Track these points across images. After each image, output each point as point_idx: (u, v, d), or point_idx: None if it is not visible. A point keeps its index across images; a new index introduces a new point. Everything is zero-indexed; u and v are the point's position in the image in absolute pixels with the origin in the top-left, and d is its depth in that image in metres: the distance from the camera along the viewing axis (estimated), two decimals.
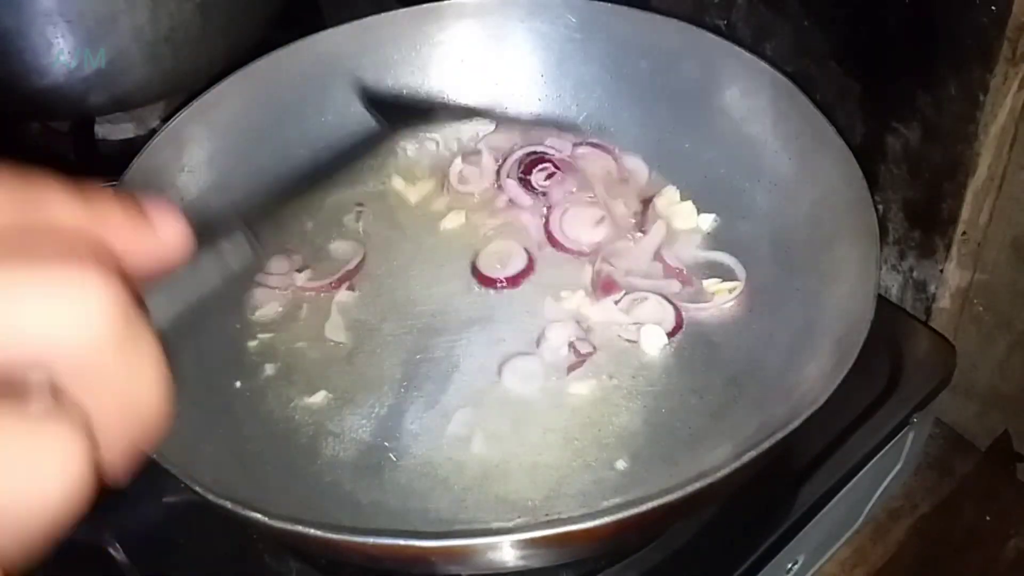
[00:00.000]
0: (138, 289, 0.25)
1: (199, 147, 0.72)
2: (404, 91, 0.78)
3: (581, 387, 0.65)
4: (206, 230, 0.30)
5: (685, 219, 0.74)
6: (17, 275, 0.23)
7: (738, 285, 0.69)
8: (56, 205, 0.25)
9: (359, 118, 0.79)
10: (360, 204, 0.77)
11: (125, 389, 0.25)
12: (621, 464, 0.62)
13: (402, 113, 0.70)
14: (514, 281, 0.71)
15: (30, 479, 0.23)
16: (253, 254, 0.33)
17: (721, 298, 0.69)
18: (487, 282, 0.71)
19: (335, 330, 0.69)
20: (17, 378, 0.24)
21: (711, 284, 0.70)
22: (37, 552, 0.24)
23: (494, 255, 0.73)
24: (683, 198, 0.75)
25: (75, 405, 0.24)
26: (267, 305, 0.71)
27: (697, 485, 0.49)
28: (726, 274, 0.70)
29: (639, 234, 0.73)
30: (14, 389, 0.24)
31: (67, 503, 0.23)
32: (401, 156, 0.80)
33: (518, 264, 0.72)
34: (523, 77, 0.80)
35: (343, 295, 0.72)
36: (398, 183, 0.78)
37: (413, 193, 0.77)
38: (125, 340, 0.24)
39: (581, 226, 0.74)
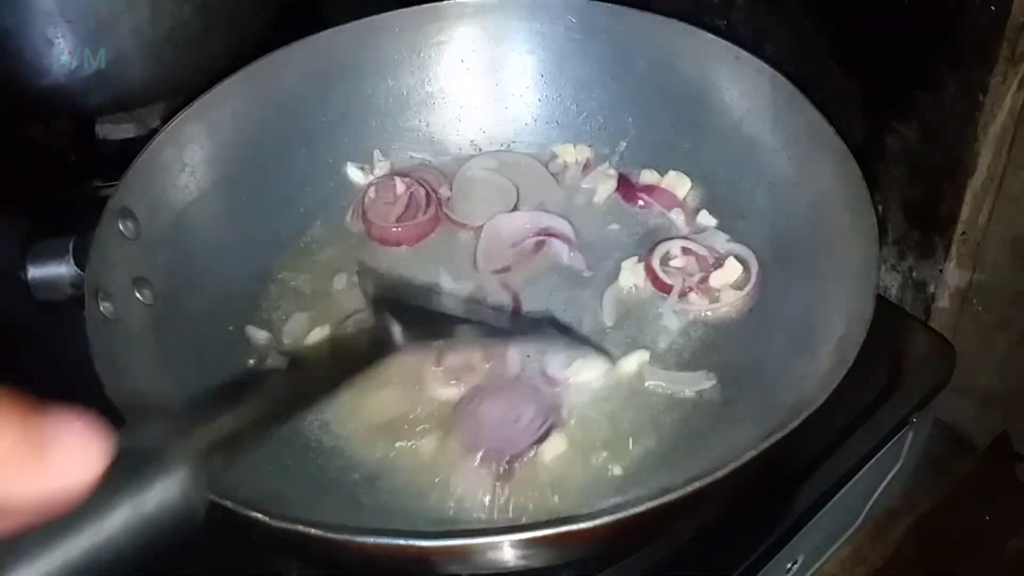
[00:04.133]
0: None
1: (199, 147, 0.72)
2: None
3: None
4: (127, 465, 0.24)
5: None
6: None
7: (750, 283, 0.69)
8: None
9: (360, 120, 0.79)
10: None
11: None
12: (621, 464, 0.62)
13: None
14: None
15: None
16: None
17: (729, 296, 0.69)
18: None
19: None
20: None
21: (719, 279, 0.70)
22: None
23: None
24: (683, 198, 0.76)
25: None
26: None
27: (696, 485, 0.49)
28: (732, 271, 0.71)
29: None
30: None
31: None
32: None
33: None
34: (523, 77, 0.80)
35: None
36: None
37: None
38: None
39: None
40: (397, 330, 0.53)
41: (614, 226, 0.75)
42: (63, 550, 0.22)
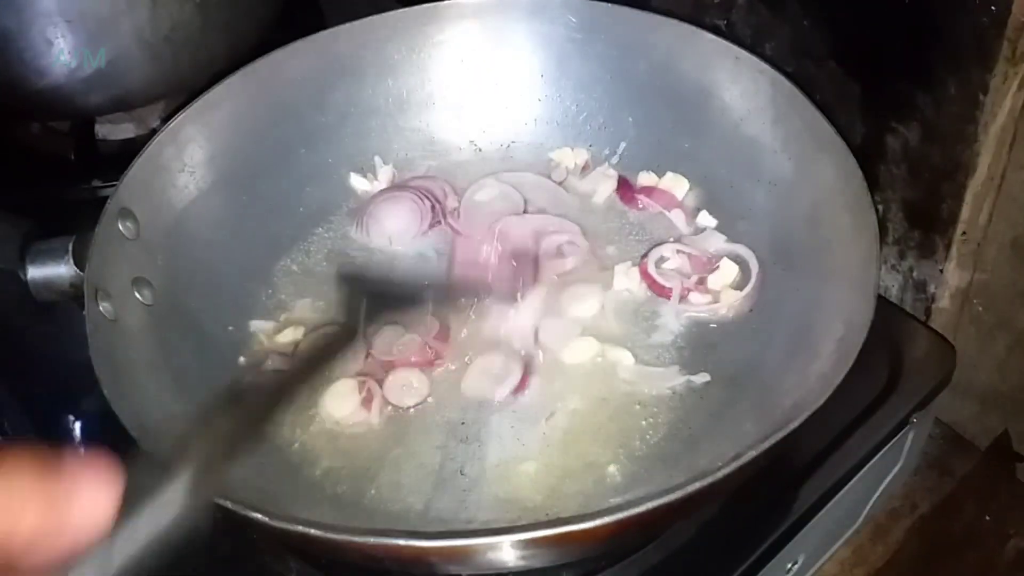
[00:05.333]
0: None
1: (199, 147, 0.72)
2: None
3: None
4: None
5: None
6: None
7: (749, 284, 0.69)
8: None
9: (360, 119, 0.79)
10: None
11: None
12: (621, 464, 0.62)
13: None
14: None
15: None
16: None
17: (728, 297, 0.69)
18: None
19: None
20: None
21: (716, 281, 0.70)
22: None
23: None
24: (684, 197, 0.76)
25: None
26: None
27: (697, 485, 0.49)
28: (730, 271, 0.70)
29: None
30: None
31: None
32: None
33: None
34: (523, 77, 0.80)
35: None
36: None
37: None
38: None
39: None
40: (363, 306, 0.60)
41: (613, 226, 0.75)
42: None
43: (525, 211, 0.77)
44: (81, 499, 0.26)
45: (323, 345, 0.61)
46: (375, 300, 0.65)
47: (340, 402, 0.65)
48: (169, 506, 0.29)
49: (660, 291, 0.70)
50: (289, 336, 0.69)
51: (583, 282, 0.71)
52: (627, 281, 0.71)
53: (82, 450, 0.28)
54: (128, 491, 0.27)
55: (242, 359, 0.68)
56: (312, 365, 0.56)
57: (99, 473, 0.27)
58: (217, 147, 0.73)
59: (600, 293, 0.70)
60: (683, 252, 0.72)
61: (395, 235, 0.75)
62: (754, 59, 0.71)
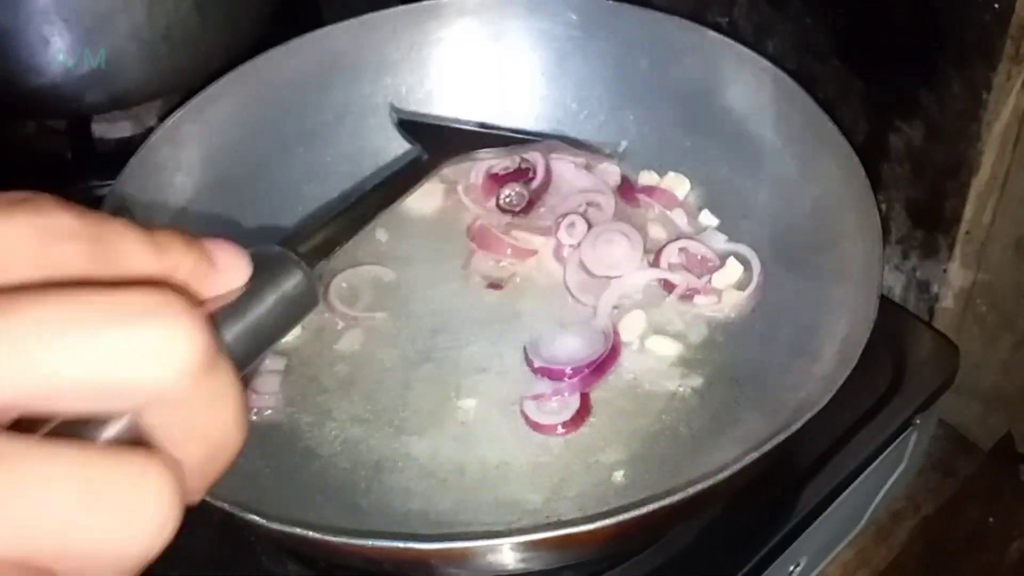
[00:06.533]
0: (214, 329, 0.26)
1: (196, 146, 0.71)
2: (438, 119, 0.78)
3: None
4: (264, 267, 0.32)
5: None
6: (110, 328, 0.23)
7: (752, 284, 0.69)
8: (131, 255, 0.26)
9: (359, 118, 0.79)
10: None
11: (210, 427, 0.26)
12: (622, 466, 0.61)
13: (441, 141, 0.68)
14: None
15: (128, 523, 0.23)
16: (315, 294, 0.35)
17: (731, 297, 0.68)
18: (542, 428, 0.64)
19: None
20: (111, 425, 0.25)
21: (720, 280, 0.69)
22: None
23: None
24: (685, 196, 0.75)
25: (166, 448, 0.25)
26: None
27: (699, 487, 0.49)
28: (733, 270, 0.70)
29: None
30: (109, 436, 0.25)
31: (158, 544, 0.24)
32: None
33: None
34: (523, 75, 0.80)
35: None
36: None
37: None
38: (211, 381, 0.25)
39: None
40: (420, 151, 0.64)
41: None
42: (235, 326, 0.30)
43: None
44: (224, 260, 0.29)
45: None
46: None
47: None
48: (291, 279, 0.33)
49: (666, 287, 0.70)
50: (288, 337, 0.69)
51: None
52: (628, 281, 0.70)
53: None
54: (257, 271, 0.31)
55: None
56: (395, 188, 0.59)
57: (234, 248, 0.30)
58: (214, 146, 0.72)
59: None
60: (685, 252, 0.71)
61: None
62: (756, 57, 0.71)
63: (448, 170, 0.70)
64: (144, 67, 0.78)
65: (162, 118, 0.72)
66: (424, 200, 0.76)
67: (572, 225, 0.72)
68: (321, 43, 0.76)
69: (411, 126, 0.74)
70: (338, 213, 0.49)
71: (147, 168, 0.68)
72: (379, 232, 0.74)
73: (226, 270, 0.29)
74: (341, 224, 0.48)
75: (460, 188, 0.77)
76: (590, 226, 0.72)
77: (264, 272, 0.32)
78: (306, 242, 0.43)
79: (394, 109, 0.77)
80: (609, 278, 0.70)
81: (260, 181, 0.75)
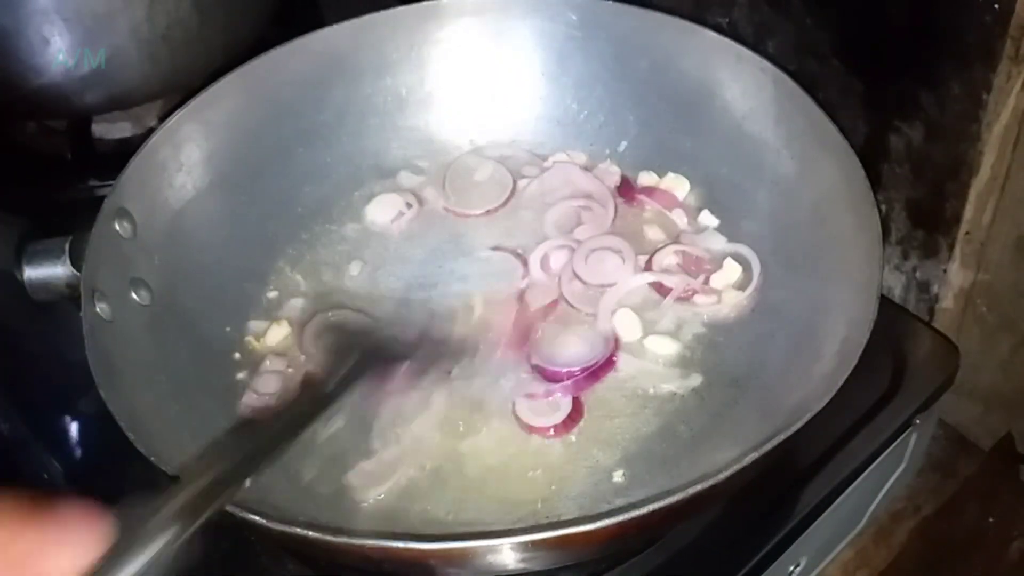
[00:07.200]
0: None
1: (196, 146, 0.71)
2: None
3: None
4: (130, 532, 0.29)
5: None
6: None
7: (752, 284, 0.69)
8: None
9: (359, 118, 0.78)
10: None
11: None
12: (622, 466, 0.61)
13: None
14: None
15: None
16: None
17: (731, 297, 0.68)
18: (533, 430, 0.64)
19: None
20: None
21: (719, 281, 0.69)
22: None
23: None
24: (685, 196, 0.75)
25: None
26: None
27: (699, 487, 0.49)
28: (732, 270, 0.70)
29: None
30: None
31: None
32: None
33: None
34: (523, 75, 0.80)
35: None
36: None
37: None
38: None
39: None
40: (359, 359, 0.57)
41: (614, 226, 0.75)
42: None
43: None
44: (69, 541, 0.27)
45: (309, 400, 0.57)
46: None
47: None
48: (154, 550, 0.30)
49: (662, 291, 0.70)
50: (287, 337, 0.69)
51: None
52: (624, 287, 0.70)
53: (66, 497, 0.28)
54: (116, 540, 0.29)
55: (239, 359, 0.68)
56: (302, 418, 0.52)
57: (86, 520, 0.28)
58: (214, 146, 0.72)
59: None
60: (685, 252, 0.71)
61: None
62: (756, 57, 0.71)
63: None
64: (144, 67, 0.78)
65: (162, 118, 0.72)
66: None
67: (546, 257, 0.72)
68: (321, 44, 0.76)
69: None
70: (236, 445, 0.44)
71: (147, 169, 0.68)
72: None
73: (68, 551, 0.27)
74: (237, 461, 0.43)
75: None
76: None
77: (125, 541, 0.29)
78: (194, 482, 0.38)
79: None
80: (604, 286, 0.70)
81: (260, 181, 0.75)
